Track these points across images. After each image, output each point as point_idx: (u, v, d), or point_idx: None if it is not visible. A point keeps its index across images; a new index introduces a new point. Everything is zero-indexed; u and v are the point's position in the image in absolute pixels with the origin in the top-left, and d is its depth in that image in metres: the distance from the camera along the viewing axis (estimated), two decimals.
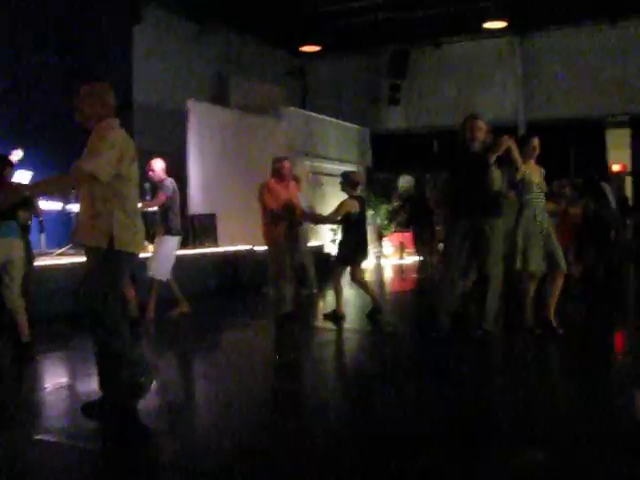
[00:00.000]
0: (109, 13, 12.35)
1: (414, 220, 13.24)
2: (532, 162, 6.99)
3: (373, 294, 8.78)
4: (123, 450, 3.98)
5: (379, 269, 16.23)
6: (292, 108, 17.04)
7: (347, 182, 8.64)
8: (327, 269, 11.88)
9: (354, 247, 8.51)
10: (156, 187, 8.91)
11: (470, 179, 6.66)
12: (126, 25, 12.98)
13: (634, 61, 17.03)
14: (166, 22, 14.90)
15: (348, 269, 8.62)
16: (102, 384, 4.45)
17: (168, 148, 11.29)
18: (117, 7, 12.65)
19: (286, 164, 8.62)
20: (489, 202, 6.69)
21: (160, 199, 8.69)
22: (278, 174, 8.46)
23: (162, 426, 4.52)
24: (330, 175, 16.73)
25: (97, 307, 4.34)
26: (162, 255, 8.73)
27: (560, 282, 6.83)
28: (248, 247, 12.28)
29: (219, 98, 15.86)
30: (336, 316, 8.45)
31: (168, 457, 4.00)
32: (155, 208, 8.96)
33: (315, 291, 11.02)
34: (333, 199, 17.05)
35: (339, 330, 8.10)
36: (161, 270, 8.65)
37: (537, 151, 6.96)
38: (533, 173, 6.90)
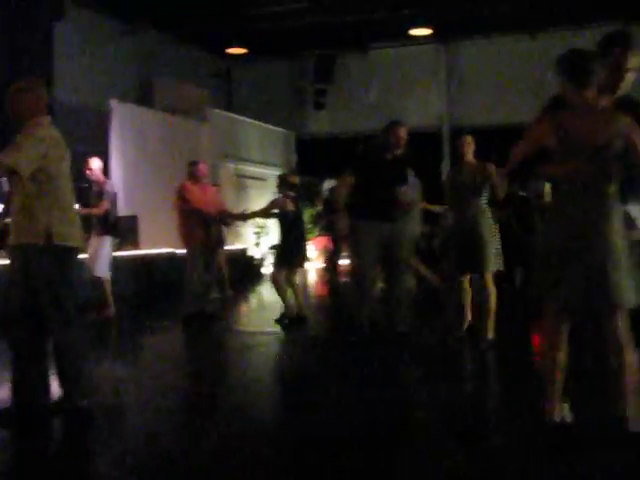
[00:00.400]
0: (29, 8, 11.97)
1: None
2: (467, 161, 7.01)
3: (289, 302, 8.65)
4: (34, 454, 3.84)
5: (303, 273, 16.19)
6: (217, 110, 16.87)
7: (284, 183, 8.72)
8: (251, 272, 11.80)
9: (292, 249, 8.50)
10: (96, 189, 9.18)
11: (386, 184, 6.65)
12: (47, 21, 12.59)
13: (551, 72, 17.42)
14: (90, 20, 14.51)
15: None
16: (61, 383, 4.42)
17: (90, 149, 11.00)
18: (38, 2, 12.27)
19: (201, 166, 9.09)
20: (400, 208, 6.74)
21: (104, 206, 9.02)
22: (193, 176, 8.79)
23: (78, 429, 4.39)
24: (254, 178, 16.65)
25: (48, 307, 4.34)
26: (104, 254, 9.06)
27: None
28: (170, 250, 12.11)
29: (143, 99, 15.57)
30: (298, 318, 8.44)
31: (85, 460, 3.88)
32: None
33: (229, 294, 11.11)
34: (257, 202, 17.02)
35: (259, 334, 8.05)
36: (105, 268, 9.02)
37: (465, 149, 7.00)
38: (464, 174, 6.97)
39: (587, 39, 17.54)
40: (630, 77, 3.77)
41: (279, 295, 8.54)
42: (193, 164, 9.13)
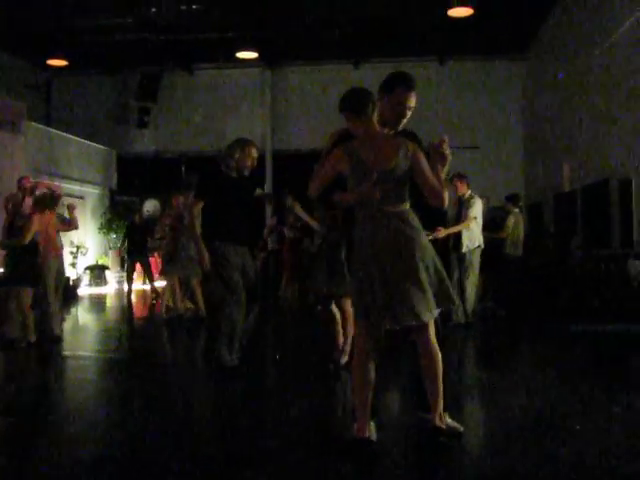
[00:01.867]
0: None
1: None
2: None
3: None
4: None
5: (121, 294, 15.73)
6: (34, 124, 16.10)
7: None
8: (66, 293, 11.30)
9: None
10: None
11: (240, 205, 6.48)
12: None
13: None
14: None
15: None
16: None
17: None
18: None
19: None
20: (254, 227, 6.65)
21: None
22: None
23: None
24: (71, 196, 15.98)
25: None
26: None
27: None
28: None
29: None
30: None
31: None
32: None
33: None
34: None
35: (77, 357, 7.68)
36: None
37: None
38: None
39: (409, 71, 18.45)
40: (409, 114, 4.10)
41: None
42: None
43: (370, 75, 18.77)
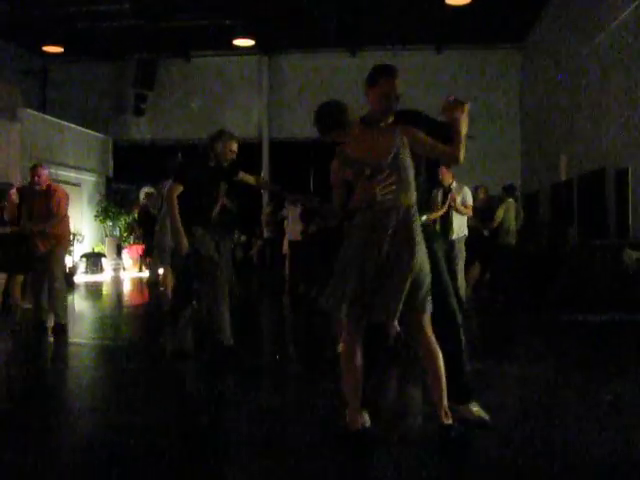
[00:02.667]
0: None
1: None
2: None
3: None
4: None
5: (117, 282, 15.73)
6: (30, 110, 16.06)
7: None
8: None
9: None
10: None
11: (213, 193, 6.54)
12: None
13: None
14: None
15: None
16: None
17: None
18: None
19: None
20: (233, 217, 6.66)
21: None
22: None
23: None
24: (68, 183, 15.96)
25: None
26: None
27: None
28: None
29: None
30: None
31: None
32: None
33: None
34: (69, 207, 16.34)
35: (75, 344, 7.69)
36: None
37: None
38: None
39: (403, 60, 18.51)
40: (397, 102, 4.05)
41: None
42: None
43: (367, 63, 18.57)
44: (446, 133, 3.95)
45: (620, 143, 11.64)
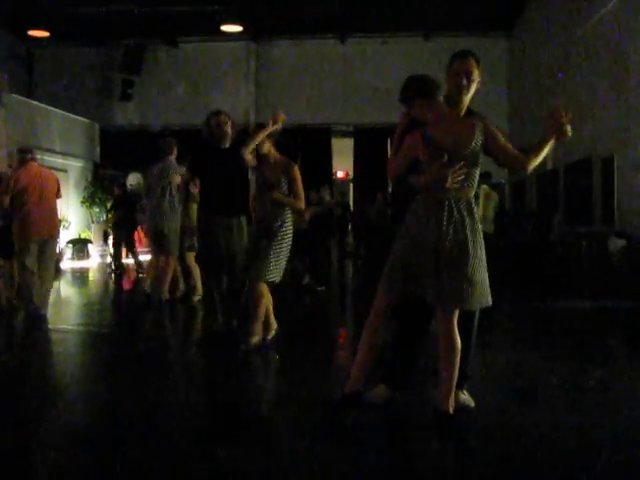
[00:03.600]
0: None
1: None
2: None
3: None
4: None
5: (104, 268, 15.69)
6: (16, 96, 15.94)
7: None
8: None
9: None
10: None
11: (222, 178, 6.52)
12: None
13: (358, 76, 18.14)
14: None
15: None
16: None
17: None
18: None
19: None
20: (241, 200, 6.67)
21: None
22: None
23: None
24: (55, 169, 15.84)
25: None
26: None
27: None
28: None
29: None
30: None
31: None
32: None
33: None
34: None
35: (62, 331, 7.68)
36: None
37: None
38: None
39: (391, 47, 18.51)
40: (469, 85, 3.96)
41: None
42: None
43: (356, 50, 18.79)
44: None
45: (606, 133, 11.69)
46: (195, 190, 7.33)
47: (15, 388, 5.14)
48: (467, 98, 3.97)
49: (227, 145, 6.60)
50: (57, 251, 8.50)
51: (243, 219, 6.68)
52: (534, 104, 16.24)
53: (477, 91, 4.00)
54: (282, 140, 6.60)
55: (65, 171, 17.33)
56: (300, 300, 10.29)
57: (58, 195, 8.31)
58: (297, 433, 4.00)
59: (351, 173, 20.58)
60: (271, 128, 6.21)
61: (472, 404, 4.22)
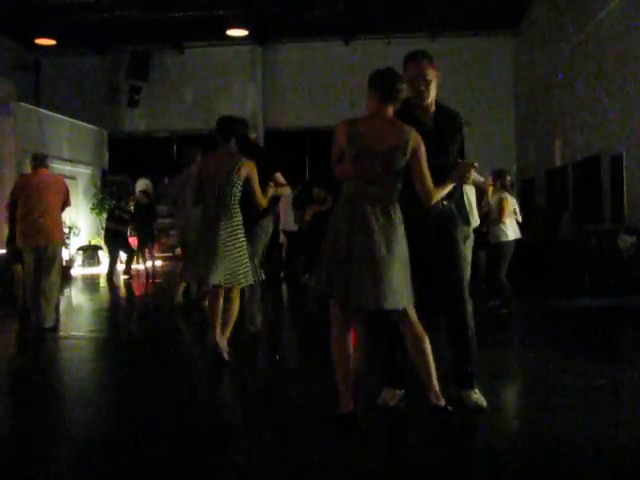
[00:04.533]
0: None
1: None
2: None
3: None
4: None
5: (114, 274, 15.70)
6: (23, 104, 15.99)
7: None
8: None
9: None
10: None
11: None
12: None
13: (364, 78, 18.02)
14: None
15: None
16: None
17: None
18: None
19: None
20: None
21: None
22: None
23: None
24: (63, 176, 15.83)
25: None
26: None
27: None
28: None
29: None
30: None
31: None
32: None
33: None
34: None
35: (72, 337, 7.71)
36: None
37: None
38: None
39: (397, 48, 18.46)
40: (427, 86, 4.17)
41: None
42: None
43: (361, 52, 18.77)
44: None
45: (615, 130, 11.65)
46: None
47: (27, 394, 5.16)
48: (430, 100, 4.19)
49: None
50: (62, 258, 8.26)
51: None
52: (541, 103, 16.20)
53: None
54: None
55: (74, 178, 17.37)
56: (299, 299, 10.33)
57: (66, 204, 8.16)
58: (306, 434, 4.00)
59: None
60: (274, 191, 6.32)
61: (484, 404, 4.21)
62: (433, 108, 4.23)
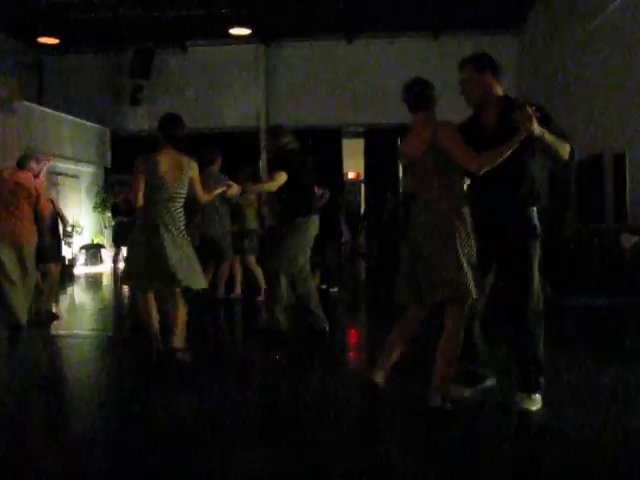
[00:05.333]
0: None
1: None
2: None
3: None
4: None
5: (117, 273, 15.72)
6: (26, 103, 16.01)
7: None
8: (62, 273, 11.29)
9: None
10: None
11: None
12: None
13: (367, 77, 18.12)
14: None
15: None
16: None
17: None
18: None
19: None
20: None
21: None
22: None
23: None
24: (66, 175, 15.98)
25: None
26: None
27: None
28: None
29: None
30: None
31: None
32: None
33: None
34: (69, 200, 16.34)
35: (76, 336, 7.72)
36: None
37: None
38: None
39: (400, 47, 18.50)
40: (465, 88, 4.38)
41: None
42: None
43: (365, 50, 18.77)
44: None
45: (617, 128, 11.64)
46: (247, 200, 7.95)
47: (29, 393, 5.17)
48: (474, 97, 4.33)
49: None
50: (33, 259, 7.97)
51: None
52: (543, 101, 16.18)
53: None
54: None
55: (77, 177, 17.42)
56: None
57: (37, 206, 7.74)
58: (307, 435, 4.01)
59: (362, 174, 20.59)
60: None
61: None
62: (497, 108, 4.31)
